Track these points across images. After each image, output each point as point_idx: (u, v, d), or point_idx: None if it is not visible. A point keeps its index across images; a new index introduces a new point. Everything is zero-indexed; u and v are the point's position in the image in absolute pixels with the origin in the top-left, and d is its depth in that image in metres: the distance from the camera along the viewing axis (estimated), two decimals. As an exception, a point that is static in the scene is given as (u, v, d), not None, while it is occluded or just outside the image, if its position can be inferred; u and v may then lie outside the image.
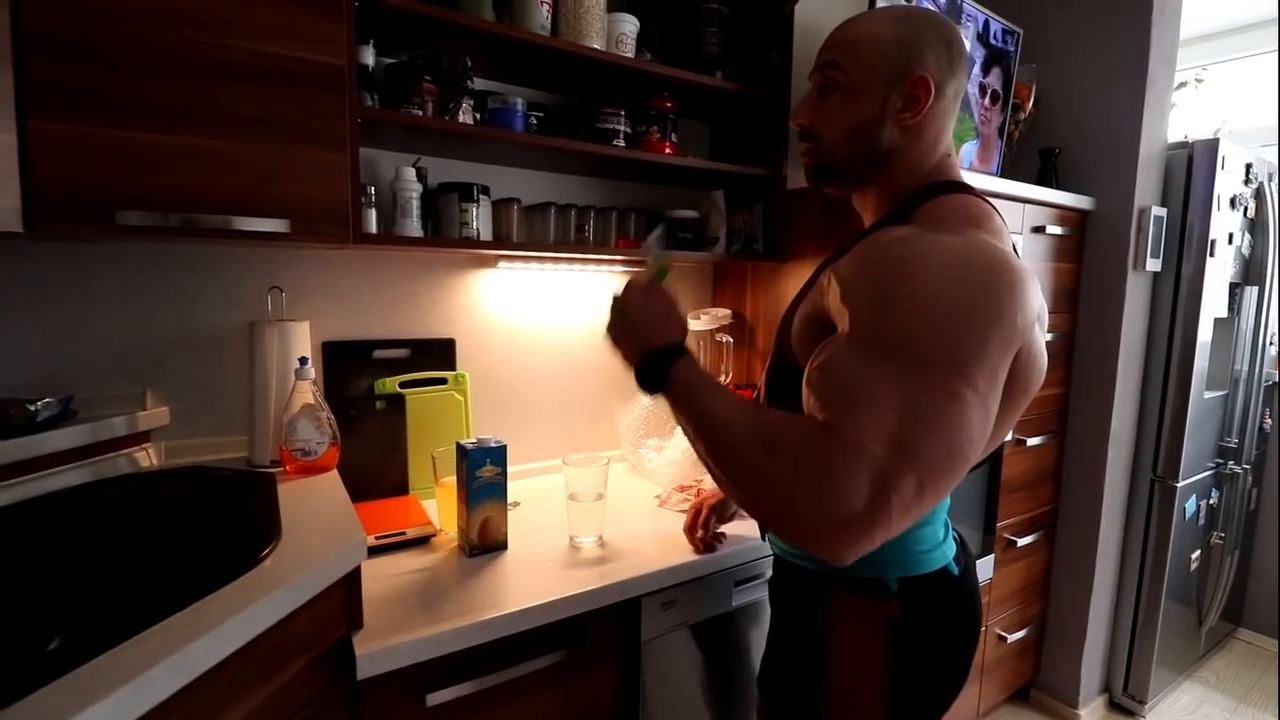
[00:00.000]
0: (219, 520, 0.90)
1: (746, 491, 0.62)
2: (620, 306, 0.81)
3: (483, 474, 1.07)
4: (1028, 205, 1.65)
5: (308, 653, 0.78)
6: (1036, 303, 0.64)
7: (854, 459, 0.55)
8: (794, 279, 1.51)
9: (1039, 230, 1.69)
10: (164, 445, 1.15)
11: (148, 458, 1.12)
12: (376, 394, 1.30)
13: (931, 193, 0.72)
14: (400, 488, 1.31)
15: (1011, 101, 1.83)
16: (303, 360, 1.06)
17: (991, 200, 0.73)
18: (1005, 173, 1.81)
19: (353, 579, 0.83)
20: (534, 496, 1.36)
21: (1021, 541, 1.79)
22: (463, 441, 1.09)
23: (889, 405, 0.56)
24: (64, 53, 0.80)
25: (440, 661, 0.86)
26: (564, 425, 1.56)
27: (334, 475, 1.08)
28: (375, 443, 1.28)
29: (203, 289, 1.15)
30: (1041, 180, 1.83)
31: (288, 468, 1.06)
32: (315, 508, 0.94)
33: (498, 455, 1.08)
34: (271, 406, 1.09)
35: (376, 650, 0.81)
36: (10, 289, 1.02)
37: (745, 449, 0.61)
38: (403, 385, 1.32)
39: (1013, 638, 1.83)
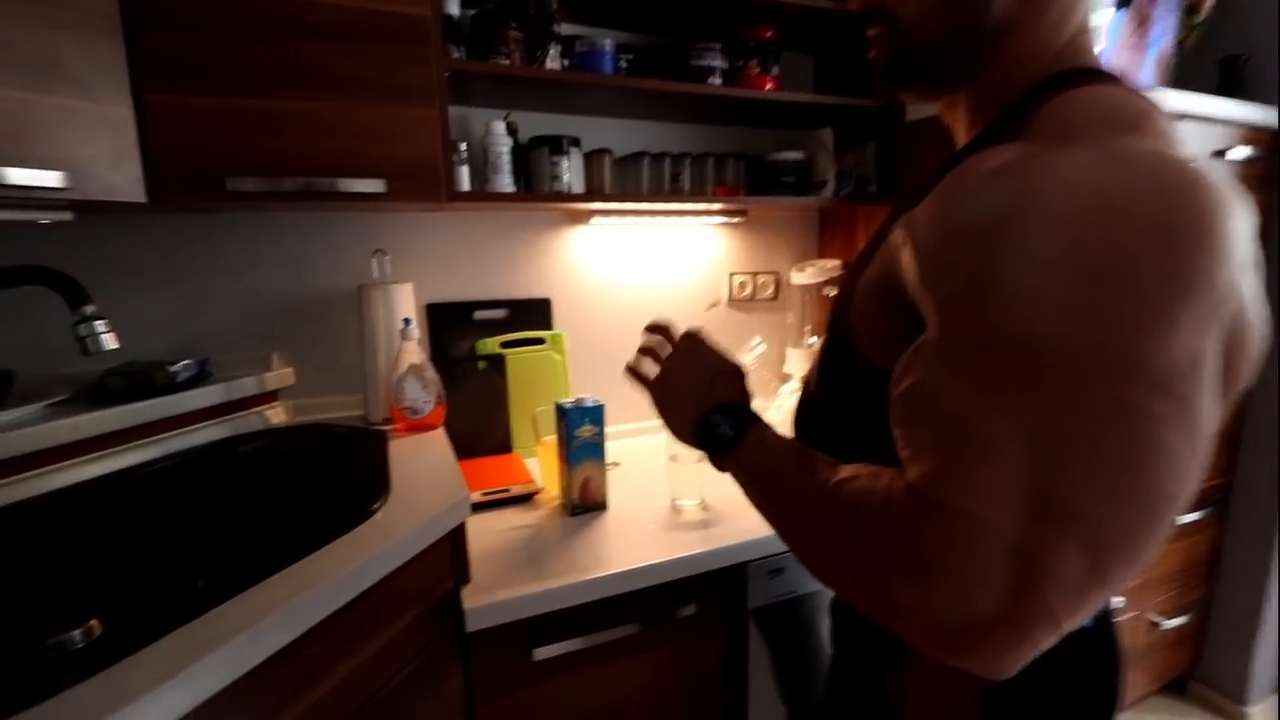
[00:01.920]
0: (336, 474, 0.94)
1: (839, 589, 0.50)
2: (684, 355, 0.68)
3: (581, 434, 1.05)
4: (1207, 124, 1.39)
5: (418, 605, 0.79)
6: (1245, 243, 0.40)
7: (968, 538, 0.39)
8: (913, 222, 1.36)
9: (1219, 155, 1.42)
10: (290, 404, 1.21)
11: (277, 414, 1.19)
12: (478, 354, 1.31)
13: (1055, 86, 0.48)
14: (504, 446, 1.32)
15: (1186, 2, 1.53)
16: (406, 321, 1.08)
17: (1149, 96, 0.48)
18: (1177, 86, 1.53)
19: (458, 534, 0.84)
20: (633, 458, 1.33)
21: (1183, 519, 1.57)
22: (561, 401, 1.08)
23: (1016, 445, 0.38)
24: (169, 24, 0.82)
25: (546, 618, 0.86)
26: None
27: (440, 433, 1.10)
28: (479, 402, 1.30)
29: (313, 254, 1.20)
30: (1223, 94, 1.53)
31: (398, 425, 1.09)
32: (423, 464, 0.96)
33: (596, 415, 1.06)
34: (381, 367, 1.13)
35: (484, 605, 0.81)
36: (147, 260, 1.10)
37: (822, 534, 0.49)
38: (503, 345, 1.32)
39: (1168, 624, 1.62)
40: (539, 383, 1.36)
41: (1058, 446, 0.38)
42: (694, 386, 0.64)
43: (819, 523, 0.50)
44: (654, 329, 0.71)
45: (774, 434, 0.59)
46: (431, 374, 1.10)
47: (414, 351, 1.08)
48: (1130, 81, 0.48)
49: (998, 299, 0.40)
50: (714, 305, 0.89)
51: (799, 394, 0.73)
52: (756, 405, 0.64)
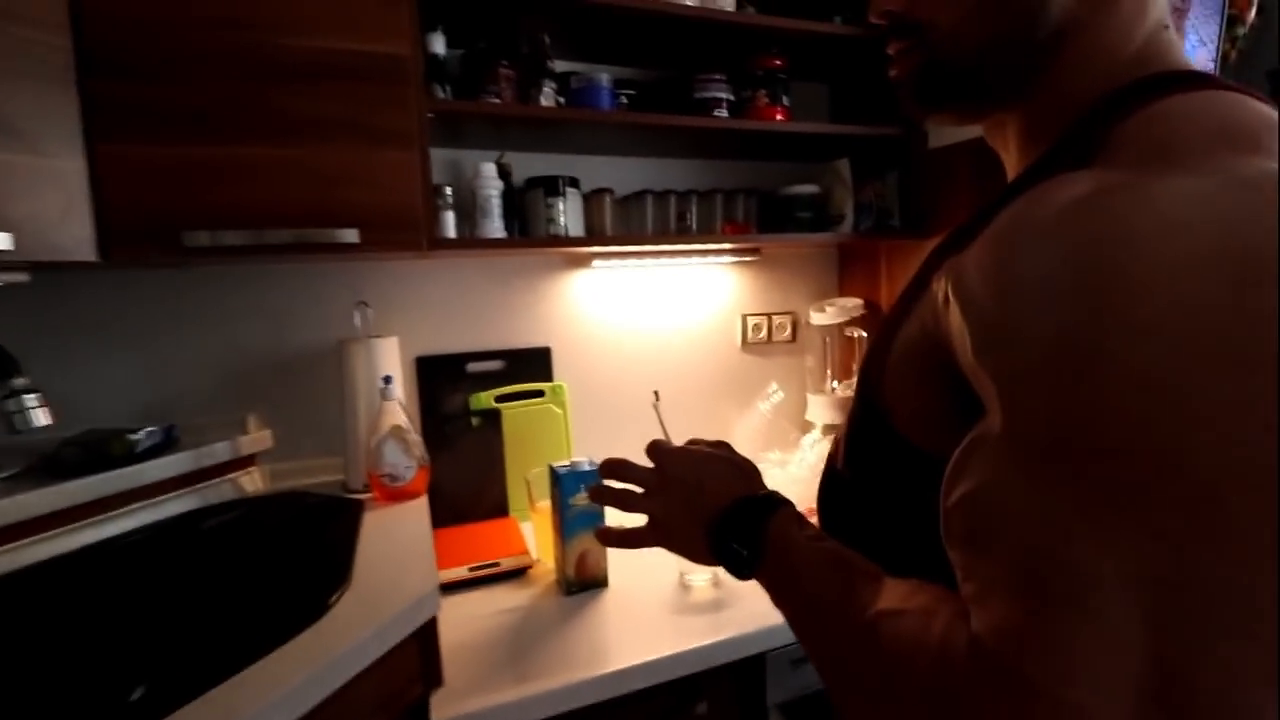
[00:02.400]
0: (300, 554, 0.84)
1: None
2: (661, 479, 0.57)
3: (577, 502, 0.94)
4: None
5: (381, 715, 0.68)
6: None
7: None
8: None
9: None
10: (270, 469, 1.13)
11: (253, 481, 1.11)
12: (472, 410, 1.22)
13: (1137, 96, 0.37)
14: (499, 509, 1.22)
15: (1227, 13, 1.42)
16: (387, 379, 0.99)
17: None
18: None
19: (427, 632, 0.73)
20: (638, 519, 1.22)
21: None
22: (555, 465, 0.97)
23: (1128, 597, 0.27)
24: (127, 68, 0.76)
25: (529, 729, 0.74)
26: (673, 436, 1.40)
27: (422, 503, 1.00)
28: (472, 462, 1.20)
29: (293, 308, 1.13)
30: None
31: (376, 494, 1.00)
32: (396, 543, 0.86)
33: (592, 480, 0.95)
34: (362, 428, 1.04)
35: (457, 716, 0.70)
36: (112, 319, 1.04)
37: (858, 685, 0.39)
38: (498, 399, 1.23)
39: None
40: (538, 439, 1.26)
41: (1190, 603, 0.26)
42: (687, 509, 0.54)
43: (855, 671, 0.39)
44: (611, 469, 0.60)
45: (798, 537, 0.48)
46: (414, 437, 1.00)
47: (395, 412, 0.99)
48: (1235, 85, 0.37)
49: (1091, 385, 0.29)
50: (656, 400, 0.80)
51: (824, 470, 0.61)
52: (775, 472, 0.53)
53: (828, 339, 1.42)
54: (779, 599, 0.48)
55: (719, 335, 1.43)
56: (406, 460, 0.99)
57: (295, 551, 0.85)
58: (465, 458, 1.19)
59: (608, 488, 0.59)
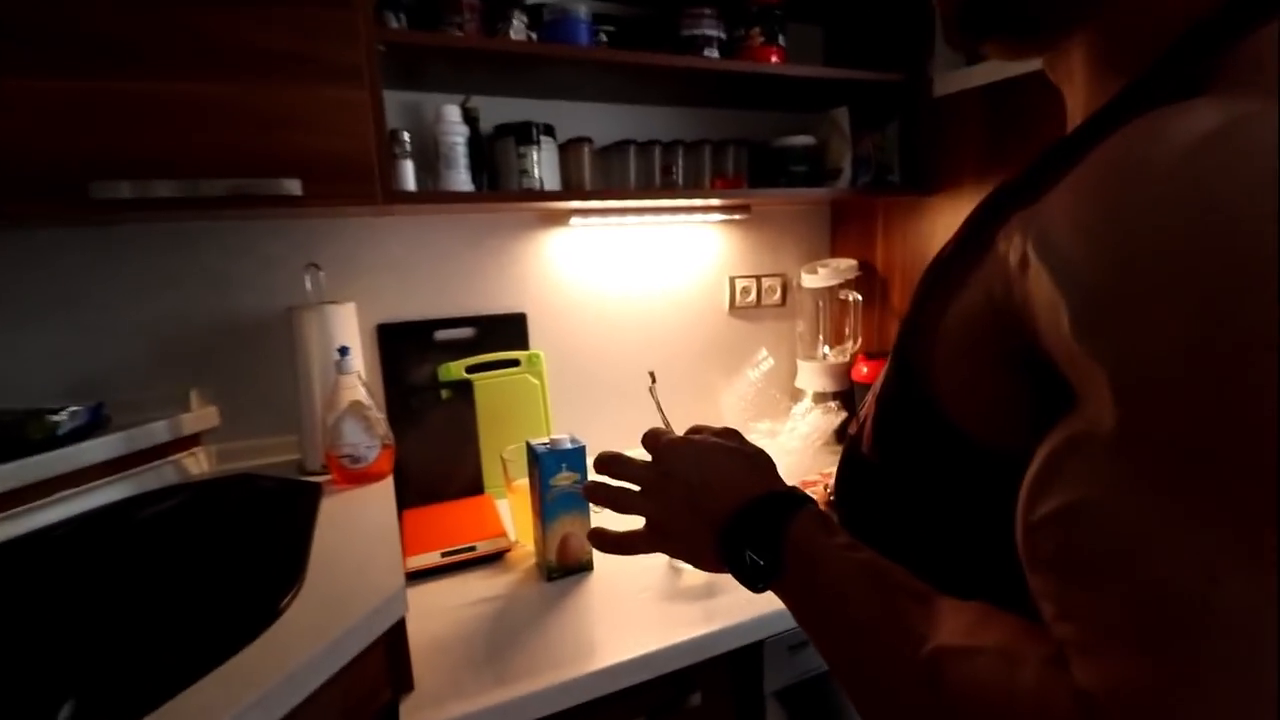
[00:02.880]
0: (248, 547, 0.75)
1: None
2: (660, 475, 0.48)
3: (558, 482, 0.87)
4: None
5: (344, 730, 0.61)
6: None
7: None
8: (943, 218, 1.17)
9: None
10: (217, 449, 1.03)
11: (197, 464, 1.01)
12: (441, 381, 1.12)
13: (1259, 8, 0.30)
14: (474, 486, 1.14)
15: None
16: (343, 350, 0.89)
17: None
18: None
19: (395, 634, 0.66)
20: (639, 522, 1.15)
21: None
22: (534, 442, 0.89)
23: None
24: (7, -17, 0.63)
25: (510, 733, 0.67)
26: (671, 421, 1.33)
27: (387, 486, 0.91)
28: (443, 437, 1.11)
29: (238, 271, 1.01)
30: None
31: (335, 477, 0.91)
32: (357, 532, 0.77)
33: (575, 459, 0.87)
34: (318, 404, 0.94)
35: (427, 725, 0.63)
36: (29, 284, 0.91)
37: None
38: (470, 370, 1.14)
39: None
40: (514, 412, 1.17)
41: None
42: (690, 510, 0.46)
43: (907, 706, 0.32)
44: (605, 465, 0.51)
45: (827, 544, 0.40)
46: (375, 414, 0.91)
47: (354, 387, 0.90)
48: None
49: (1252, 375, 0.22)
50: (653, 383, 0.71)
51: (845, 450, 0.54)
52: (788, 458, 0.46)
53: (820, 302, 1.35)
54: (803, 616, 0.42)
55: (705, 299, 1.35)
56: (368, 439, 0.90)
57: (242, 544, 0.76)
58: (435, 433, 1.11)
59: (602, 486, 0.51)
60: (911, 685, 0.32)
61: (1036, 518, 0.29)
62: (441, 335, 1.13)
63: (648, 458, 0.49)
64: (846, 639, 0.37)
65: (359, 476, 0.90)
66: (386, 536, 0.76)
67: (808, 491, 0.46)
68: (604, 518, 0.91)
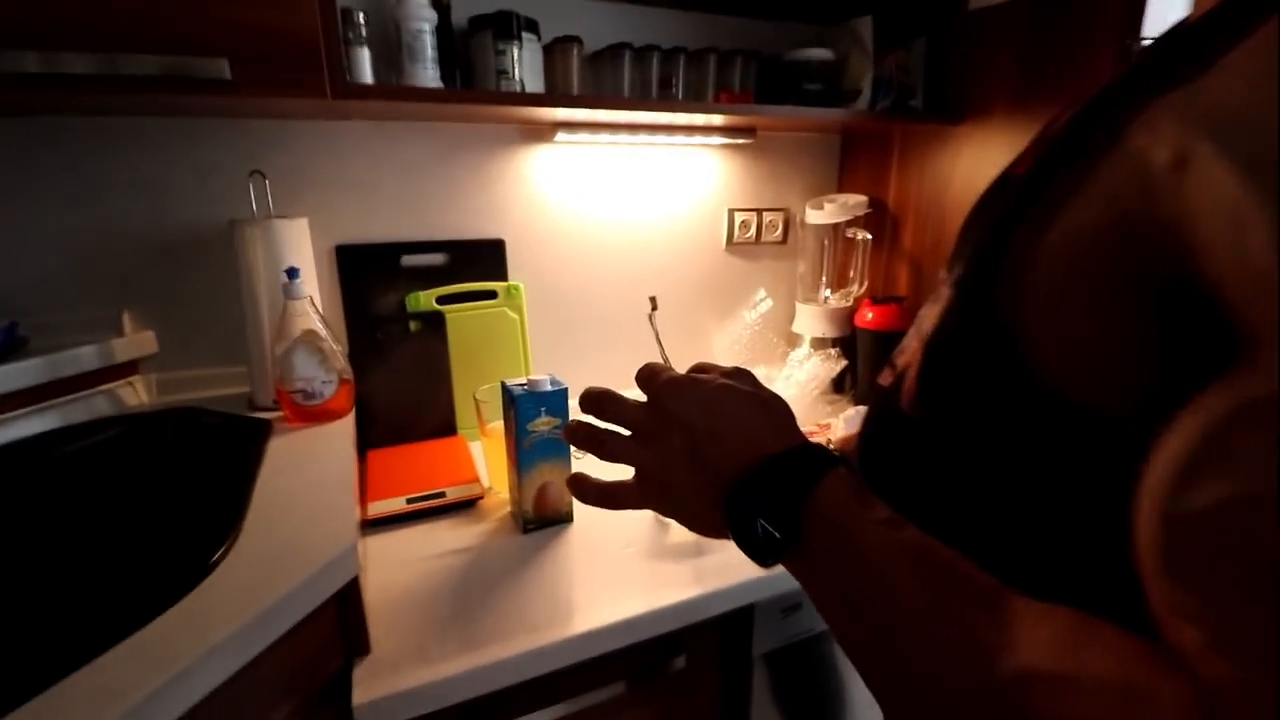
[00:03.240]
0: (180, 492, 0.67)
1: None
2: (657, 418, 0.39)
3: (536, 427, 0.78)
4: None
5: (289, 701, 0.54)
6: None
7: None
8: (968, 151, 1.07)
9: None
10: (158, 378, 0.93)
11: (135, 394, 0.91)
12: (409, 312, 1.02)
13: None
14: (446, 427, 1.05)
15: None
16: (291, 272, 0.78)
17: None
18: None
19: (346, 596, 0.58)
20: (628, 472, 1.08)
21: None
22: (510, 383, 0.80)
23: None
24: None
25: (477, 702, 0.61)
26: (647, 346, 1.24)
27: (345, 426, 0.82)
28: (411, 373, 1.02)
29: (173, 178, 0.88)
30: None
31: (286, 414, 0.81)
32: (307, 478, 0.69)
33: (556, 402, 0.78)
34: (266, 333, 0.84)
35: (385, 696, 0.56)
36: (-83, 181, 0.78)
37: None
38: (441, 301, 1.03)
39: None
40: (490, 348, 1.08)
41: None
42: (692, 464, 0.37)
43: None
44: (592, 402, 0.42)
45: (863, 518, 0.33)
46: (332, 345, 0.81)
47: (305, 314, 0.79)
48: None
49: None
50: (653, 310, 0.58)
51: (872, 409, 0.46)
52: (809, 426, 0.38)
53: (825, 241, 1.25)
54: (826, 601, 0.34)
55: (701, 232, 1.24)
56: (323, 373, 0.80)
57: (176, 488, 0.67)
58: (402, 369, 1.01)
59: (586, 426, 0.42)
60: (984, 710, 0.25)
61: (1187, 509, 0.21)
62: (409, 260, 1.02)
63: (642, 398, 0.41)
64: (887, 638, 0.30)
65: (313, 414, 0.81)
66: (341, 483, 0.68)
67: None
68: (587, 464, 0.83)
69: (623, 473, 0.41)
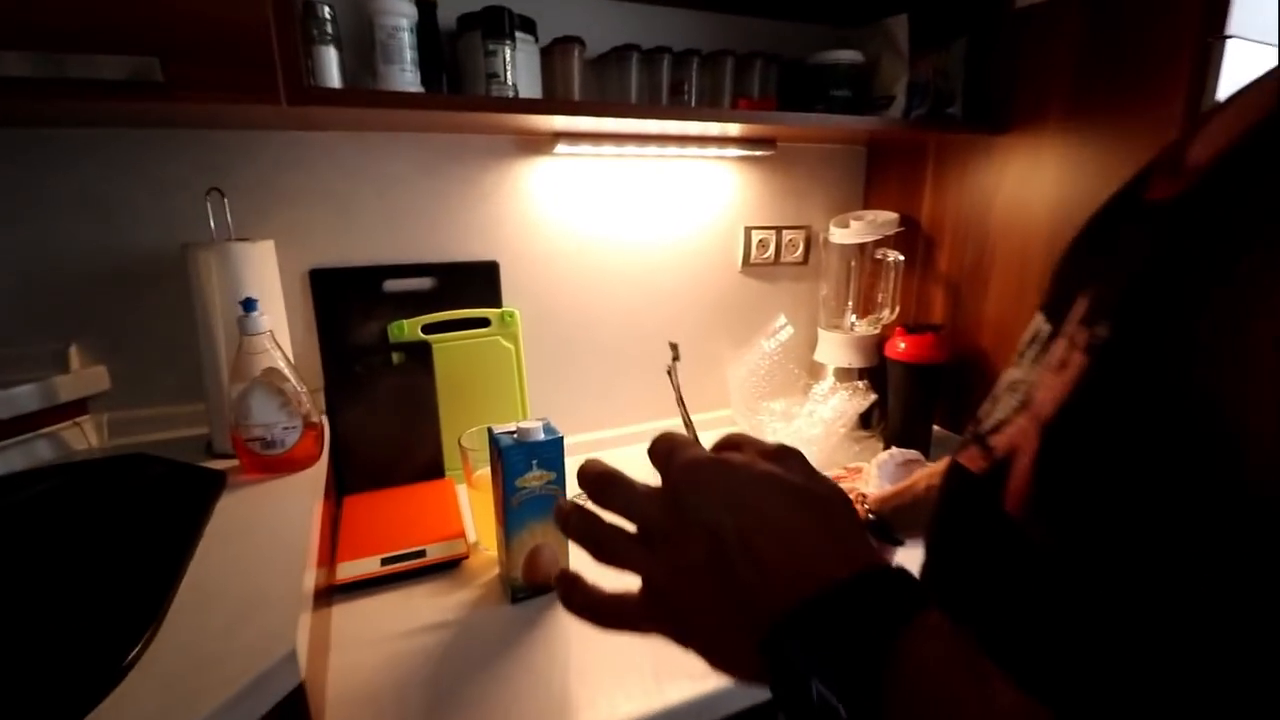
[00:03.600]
0: (105, 563, 0.56)
1: None
2: (673, 504, 0.28)
3: (527, 483, 0.68)
4: None
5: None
6: None
7: None
8: (1013, 164, 0.96)
9: None
10: (107, 418, 0.83)
11: (83, 437, 0.81)
12: (392, 342, 0.92)
13: None
14: (432, 469, 0.95)
15: None
16: (248, 304, 0.68)
17: None
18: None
19: (294, 704, 0.47)
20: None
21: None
22: (497, 430, 0.70)
23: None
24: None
25: (446, 832, 0.50)
26: (656, 378, 1.14)
27: (314, 475, 0.72)
28: (394, 410, 0.92)
29: (124, 195, 0.79)
30: None
31: (242, 463, 0.71)
32: (256, 546, 0.58)
33: (549, 453, 0.68)
34: (224, 370, 0.74)
35: (328, 832, 0.46)
36: None
37: None
38: (427, 330, 0.93)
39: None
40: (482, 381, 0.97)
41: None
42: (719, 583, 0.26)
43: None
44: (593, 485, 0.30)
45: (974, 696, 0.22)
46: (296, 386, 0.71)
47: (266, 351, 0.69)
48: None
49: None
50: (674, 360, 0.41)
51: (954, 508, 0.35)
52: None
53: (851, 262, 1.14)
54: None
55: (716, 252, 1.14)
56: (285, 418, 0.70)
57: (103, 557, 0.57)
58: (384, 405, 0.91)
59: (581, 514, 0.31)
60: None
61: None
62: (392, 286, 0.92)
63: (657, 480, 0.30)
64: None
65: (273, 464, 0.71)
66: (294, 555, 0.57)
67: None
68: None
69: (627, 578, 0.30)
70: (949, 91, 0.98)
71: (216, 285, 0.72)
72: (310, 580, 0.56)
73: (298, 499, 0.67)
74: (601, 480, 0.30)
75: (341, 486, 0.90)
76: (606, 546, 0.30)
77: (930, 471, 0.66)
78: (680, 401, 0.44)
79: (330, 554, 0.76)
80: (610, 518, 0.30)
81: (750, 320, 1.18)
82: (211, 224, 0.75)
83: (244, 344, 0.68)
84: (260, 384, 0.69)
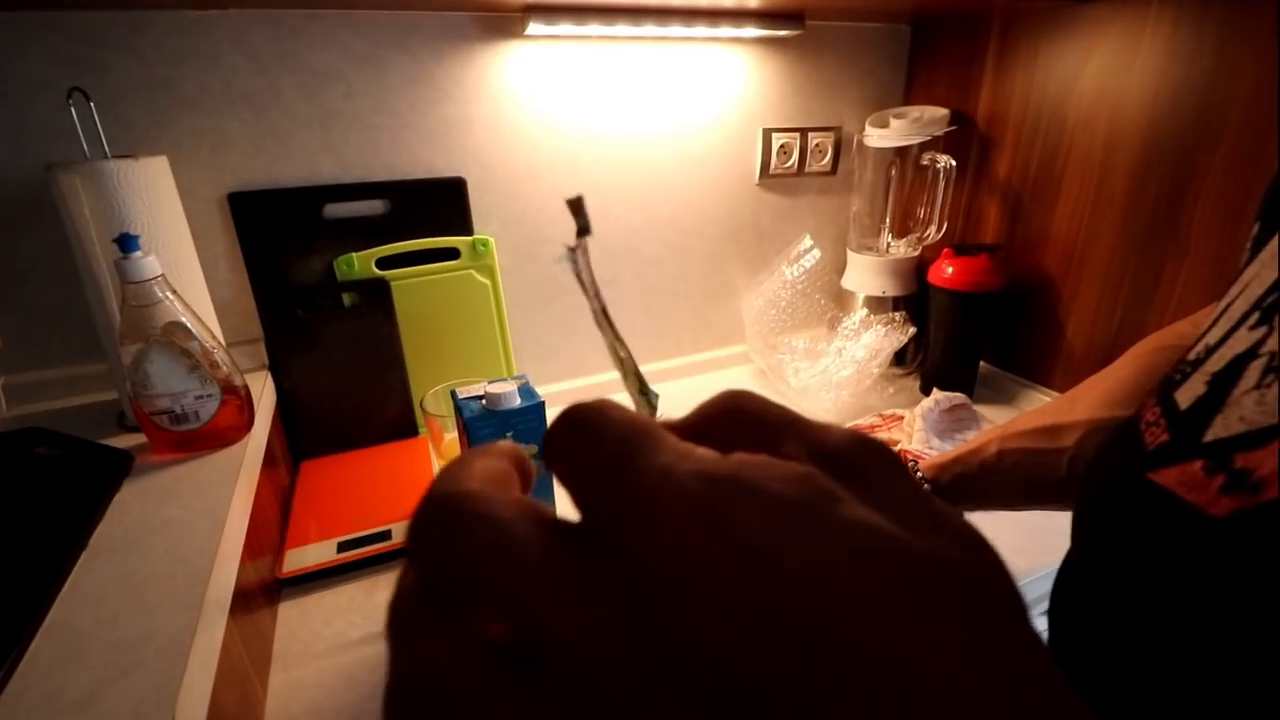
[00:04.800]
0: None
1: None
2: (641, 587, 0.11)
3: (500, 461, 0.54)
4: None
5: None
6: None
7: None
8: (1110, 42, 0.76)
9: None
10: (2, 383, 0.69)
11: (-30, 404, 0.68)
12: (340, 280, 0.77)
13: None
14: (404, 426, 0.82)
15: None
16: (125, 243, 0.52)
17: None
18: None
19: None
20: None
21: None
22: (462, 393, 0.56)
23: None
24: None
25: None
26: (658, 310, 0.99)
27: (244, 450, 0.59)
28: (351, 360, 0.78)
29: (-28, 100, 0.61)
30: None
31: (150, 441, 0.58)
32: (154, 555, 0.46)
33: (527, 423, 0.54)
34: (116, 327, 0.59)
35: None
36: None
37: None
38: (383, 264, 0.78)
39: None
40: (455, 322, 0.83)
41: None
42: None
43: None
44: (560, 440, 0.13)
45: None
46: (207, 343, 0.56)
47: (163, 303, 0.54)
48: None
49: None
50: (580, 234, 0.21)
51: (1114, 491, 0.21)
52: None
53: (892, 170, 0.95)
54: None
55: (729, 160, 0.95)
56: (197, 385, 0.56)
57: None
58: (338, 355, 0.77)
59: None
60: None
61: None
62: (335, 211, 0.75)
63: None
64: None
65: (188, 441, 0.58)
66: (201, 568, 0.45)
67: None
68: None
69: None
70: (1028, -57, 0.76)
71: (90, 218, 0.56)
72: (220, 605, 0.44)
73: (216, 485, 0.54)
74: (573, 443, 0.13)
75: (298, 452, 0.78)
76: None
77: (1003, 433, 0.52)
78: (601, 317, 0.25)
79: (279, 539, 0.65)
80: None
81: (769, 241, 1.02)
82: (82, 138, 0.58)
83: (128, 294, 0.53)
84: (160, 344, 0.55)
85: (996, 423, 0.68)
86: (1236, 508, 0.19)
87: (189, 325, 0.56)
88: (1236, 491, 0.19)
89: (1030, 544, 0.59)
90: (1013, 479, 0.51)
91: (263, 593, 0.57)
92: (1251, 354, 0.20)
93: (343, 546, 0.63)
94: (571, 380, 0.95)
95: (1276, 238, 0.22)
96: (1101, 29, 0.76)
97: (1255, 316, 0.21)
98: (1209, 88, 0.67)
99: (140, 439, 0.60)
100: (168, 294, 0.55)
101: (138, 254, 0.52)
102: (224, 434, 0.59)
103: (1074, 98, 0.80)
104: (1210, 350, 0.23)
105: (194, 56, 0.65)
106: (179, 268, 0.61)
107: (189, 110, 0.66)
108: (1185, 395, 0.22)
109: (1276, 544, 0.18)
